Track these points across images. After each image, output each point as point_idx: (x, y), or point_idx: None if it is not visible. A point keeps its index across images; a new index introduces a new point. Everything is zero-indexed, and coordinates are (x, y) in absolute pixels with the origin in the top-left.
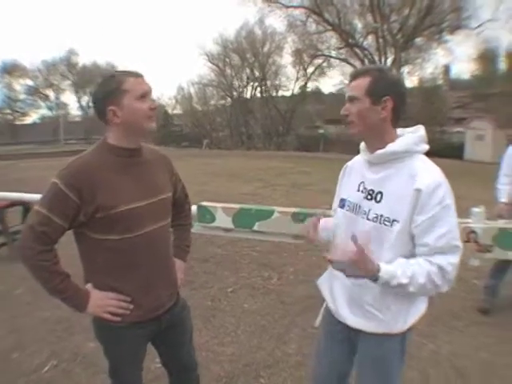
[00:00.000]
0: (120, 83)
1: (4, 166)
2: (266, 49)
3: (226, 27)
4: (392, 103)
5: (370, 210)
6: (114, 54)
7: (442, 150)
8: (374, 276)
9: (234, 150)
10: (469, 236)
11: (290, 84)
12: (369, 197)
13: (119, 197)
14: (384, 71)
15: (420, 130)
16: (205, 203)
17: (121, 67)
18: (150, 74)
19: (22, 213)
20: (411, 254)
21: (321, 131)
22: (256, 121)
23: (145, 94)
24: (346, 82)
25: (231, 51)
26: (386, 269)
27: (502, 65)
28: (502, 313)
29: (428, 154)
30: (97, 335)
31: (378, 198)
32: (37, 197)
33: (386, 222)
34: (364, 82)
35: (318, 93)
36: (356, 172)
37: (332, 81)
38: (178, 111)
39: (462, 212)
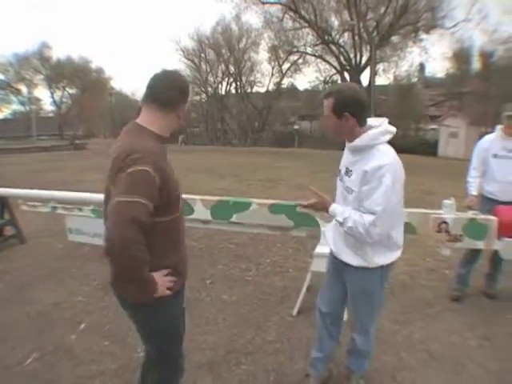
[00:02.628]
0: (188, 86)
1: None
2: (241, 45)
3: (201, 22)
4: (351, 115)
5: (345, 182)
6: (88, 48)
7: (417, 147)
8: (326, 211)
9: (209, 145)
10: (440, 226)
11: (265, 80)
12: (346, 173)
13: (174, 180)
14: (341, 92)
15: (383, 125)
16: (184, 195)
17: (95, 62)
18: (125, 69)
19: None
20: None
21: (295, 127)
22: (232, 117)
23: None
24: (322, 78)
25: (207, 47)
26: (332, 207)
27: (475, 64)
28: (472, 300)
29: (403, 150)
30: (151, 319)
31: (350, 175)
32: (12, 191)
33: (349, 191)
34: (330, 102)
35: (293, 89)
36: (346, 153)
37: (307, 77)
38: None
39: (435, 206)
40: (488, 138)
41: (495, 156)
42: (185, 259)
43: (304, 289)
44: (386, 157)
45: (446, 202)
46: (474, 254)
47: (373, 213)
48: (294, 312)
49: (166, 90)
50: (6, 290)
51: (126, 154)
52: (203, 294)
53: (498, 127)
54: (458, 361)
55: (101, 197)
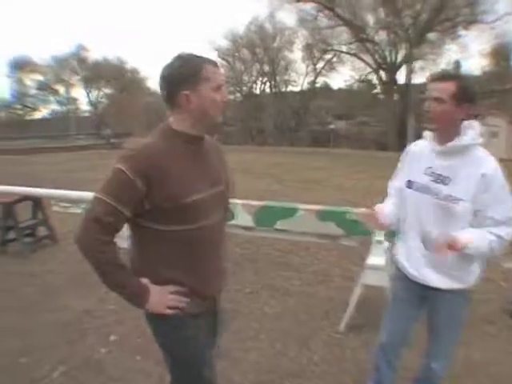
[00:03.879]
0: (200, 69)
1: (14, 160)
2: (276, 44)
3: (235, 22)
4: (469, 108)
5: (439, 191)
6: (124, 49)
7: None
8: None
9: (244, 145)
10: None
11: (299, 79)
12: (438, 180)
13: (188, 186)
14: (465, 79)
15: (476, 126)
16: None
17: (131, 63)
18: (160, 69)
19: (31, 208)
20: (470, 225)
21: (331, 127)
22: (267, 116)
23: (221, 86)
24: (357, 77)
25: (241, 46)
26: (470, 244)
27: None
28: None
29: None
30: (156, 333)
31: (446, 182)
32: (46, 192)
33: (455, 201)
34: (451, 86)
35: (327, 88)
36: (422, 157)
37: (341, 76)
38: None
39: None
40: None
41: None
42: (209, 278)
43: (353, 303)
44: (494, 159)
45: None
46: None
47: (505, 224)
48: (342, 328)
49: (163, 85)
50: (36, 294)
51: (124, 151)
52: (243, 304)
53: None
54: None
55: None
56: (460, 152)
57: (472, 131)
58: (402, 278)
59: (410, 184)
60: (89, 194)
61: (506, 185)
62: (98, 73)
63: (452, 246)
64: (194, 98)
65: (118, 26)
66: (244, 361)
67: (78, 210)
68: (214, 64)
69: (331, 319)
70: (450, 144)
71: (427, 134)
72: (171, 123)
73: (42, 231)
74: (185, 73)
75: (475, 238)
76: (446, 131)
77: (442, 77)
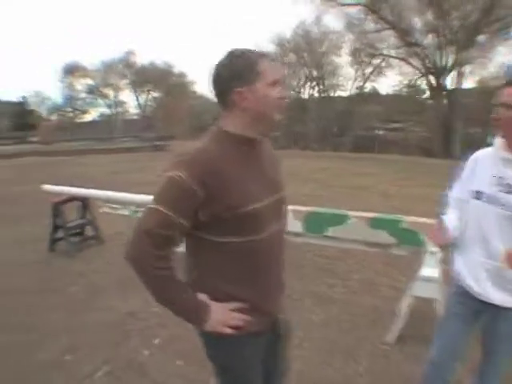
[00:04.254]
0: (254, 63)
1: (64, 161)
2: (323, 48)
3: (282, 26)
4: None
5: (508, 202)
6: (171, 54)
7: None
8: None
9: (287, 149)
10: None
11: (347, 84)
12: (508, 191)
13: (248, 194)
14: None
15: None
16: None
17: (178, 67)
18: (207, 74)
19: (80, 208)
20: None
21: (377, 132)
22: (312, 120)
23: (278, 81)
24: (406, 82)
25: (288, 50)
26: None
27: None
28: None
29: None
30: (210, 353)
31: None
32: (94, 192)
33: None
34: None
35: (374, 93)
36: (488, 166)
37: (388, 81)
38: None
39: None
40: None
41: None
42: (270, 293)
43: (402, 314)
44: None
45: None
46: None
47: None
48: (389, 339)
49: (214, 84)
50: (81, 293)
51: (176, 156)
52: (288, 312)
53: None
54: None
55: None
56: None
57: None
58: (458, 292)
59: (478, 195)
60: (136, 196)
61: None
62: (145, 77)
63: None
64: (249, 95)
65: (167, 31)
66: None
67: (126, 212)
68: (271, 57)
69: (377, 329)
70: None
71: (497, 140)
72: (223, 125)
73: (89, 231)
74: (237, 68)
75: None
76: None
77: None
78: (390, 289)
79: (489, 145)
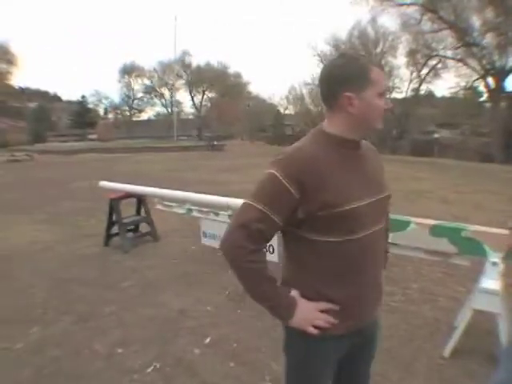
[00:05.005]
0: (367, 71)
1: (121, 158)
2: (378, 49)
3: (337, 27)
4: None
5: None
6: (226, 55)
7: None
8: None
9: None
10: None
11: (403, 86)
12: None
13: (345, 193)
14: None
15: None
16: None
17: (234, 67)
18: (263, 74)
19: (136, 205)
20: None
21: (435, 136)
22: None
23: (385, 92)
24: (463, 84)
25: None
26: None
27: None
28: None
29: None
30: (287, 347)
31: None
32: (150, 190)
33: None
34: None
35: (430, 95)
36: None
37: (444, 83)
38: (289, 111)
39: None
40: None
41: None
42: (361, 300)
43: (461, 328)
44: None
45: None
46: None
47: None
48: (446, 353)
49: (323, 83)
50: (134, 288)
51: (274, 156)
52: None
53: None
54: None
55: (239, 202)
56: None
57: None
58: None
59: None
60: (191, 195)
61: None
62: (200, 77)
63: None
64: (357, 101)
65: (221, 32)
66: None
67: (181, 210)
68: (380, 67)
69: (435, 342)
70: None
71: None
72: (325, 126)
73: (144, 228)
74: (350, 72)
75: None
76: None
77: None
78: (448, 300)
79: None
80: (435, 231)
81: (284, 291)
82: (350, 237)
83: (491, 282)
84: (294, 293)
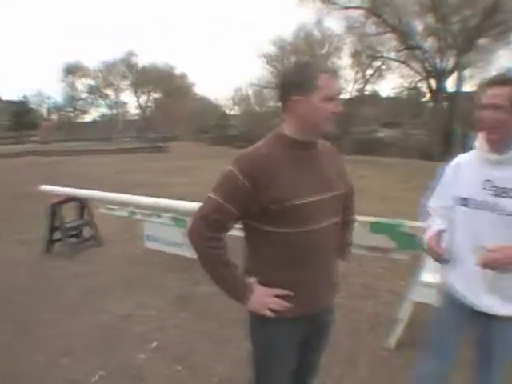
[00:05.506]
0: (315, 76)
1: (63, 161)
2: (324, 50)
3: (283, 28)
4: None
5: (505, 206)
6: (172, 55)
7: None
8: None
9: None
10: None
11: (348, 86)
12: (503, 194)
13: (295, 190)
14: None
15: None
16: None
17: (179, 68)
18: (208, 75)
19: (77, 209)
20: None
21: (379, 134)
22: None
23: (334, 96)
24: (406, 85)
25: (289, 53)
26: None
27: None
28: None
29: None
30: (250, 330)
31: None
32: (92, 193)
33: None
34: (508, 91)
35: (374, 96)
36: (473, 170)
37: (389, 83)
38: (235, 112)
39: None
40: None
41: None
42: (313, 288)
43: (402, 320)
44: None
45: None
46: None
47: None
48: (389, 345)
49: (277, 88)
50: (79, 295)
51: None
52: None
53: None
54: None
55: (182, 204)
56: None
57: None
58: (451, 304)
59: (465, 201)
60: (133, 198)
61: None
62: (146, 78)
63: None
64: (304, 104)
65: (167, 32)
66: None
67: (124, 214)
68: (332, 73)
69: (377, 335)
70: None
71: (478, 143)
72: (282, 128)
73: (87, 232)
74: (298, 78)
75: None
76: (504, 140)
77: (499, 81)
78: (390, 294)
79: (471, 148)
80: (375, 228)
81: (241, 276)
82: (300, 229)
83: (430, 275)
84: (252, 279)
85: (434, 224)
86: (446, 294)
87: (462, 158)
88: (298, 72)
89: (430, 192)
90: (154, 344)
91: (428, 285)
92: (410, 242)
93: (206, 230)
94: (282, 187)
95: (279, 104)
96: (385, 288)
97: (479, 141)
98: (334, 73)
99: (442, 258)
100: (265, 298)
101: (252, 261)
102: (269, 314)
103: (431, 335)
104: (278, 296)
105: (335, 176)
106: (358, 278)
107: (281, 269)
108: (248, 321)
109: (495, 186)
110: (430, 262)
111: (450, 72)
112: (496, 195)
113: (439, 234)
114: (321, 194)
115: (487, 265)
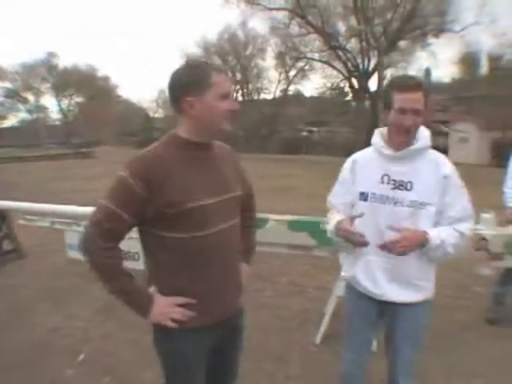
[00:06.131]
0: (207, 76)
1: None
2: (248, 51)
3: (208, 30)
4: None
5: (403, 198)
6: (95, 57)
7: None
8: (425, 241)
9: None
10: (479, 244)
11: (271, 87)
12: (400, 187)
13: (191, 192)
14: (426, 83)
15: (424, 129)
16: None
17: (102, 70)
18: (131, 77)
19: None
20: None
21: (303, 134)
22: (239, 123)
23: (228, 94)
24: (329, 85)
25: (213, 54)
26: (431, 231)
27: (484, 68)
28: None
29: None
30: (155, 342)
31: (409, 187)
32: (9, 204)
33: (421, 206)
34: (422, 95)
35: (299, 96)
36: (372, 166)
37: (313, 84)
38: (159, 115)
39: None
40: None
41: None
42: (217, 293)
43: (328, 315)
44: (447, 159)
45: (485, 215)
46: None
47: (464, 221)
48: (318, 340)
49: (168, 90)
50: (3, 310)
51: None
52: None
53: None
54: None
55: None
56: (417, 156)
57: (423, 134)
58: (358, 297)
59: (363, 196)
60: (51, 206)
61: (461, 183)
62: (67, 80)
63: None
64: (198, 105)
65: (89, 33)
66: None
67: (45, 223)
68: (223, 72)
69: (306, 331)
70: (410, 148)
71: (376, 140)
72: (177, 130)
73: (7, 245)
74: (190, 79)
75: (439, 233)
76: (411, 140)
77: (418, 85)
78: (317, 290)
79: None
80: (294, 226)
81: (141, 287)
82: (196, 233)
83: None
84: (152, 289)
85: (337, 216)
86: (351, 287)
87: (357, 156)
88: (189, 73)
89: (333, 189)
90: (82, 356)
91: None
92: (330, 238)
93: (102, 240)
94: (176, 190)
95: (172, 105)
96: (311, 284)
97: (376, 138)
98: (226, 71)
99: (356, 238)
100: (166, 308)
101: (151, 269)
102: (171, 324)
103: (347, 329)
104: (180, 305)
105: (232, 177)
106: (284, 276)
107: (181, 276)
108: (153, 332)
109: (393, 180)
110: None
111: (372, 72)
112: (394, 188)
113: (352, 218)
114: (217, 196)
115: (386, 246)
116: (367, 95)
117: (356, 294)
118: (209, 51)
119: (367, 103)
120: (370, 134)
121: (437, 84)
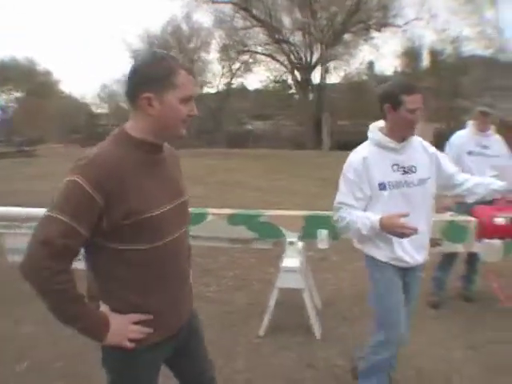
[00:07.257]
0: (173, 73)
1: None
2: (192, 45)
3: (151, 22)
4: None
5: (413, 179)
6: (34, 50)
7: None
8: None
9: None
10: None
11: (215, 81)
12: (409, 172)
13: (149, 199)
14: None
15: None
16: None
17: (42, 64)
18: (73, 71)
19: None
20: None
21: (248, 127)
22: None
23: (190, 97)
24: (272, 78)
25: (157, 47)
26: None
27: (425, 62)
28: (450, 305)
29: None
30: (104, 361)
31: (414, 170)
32: None
33: (427, 181)
34: (421, 95)
35: (243, 89)
36: (381, 159)
37: (258, 77)
38: (103, 110)
39: None
40: (460, 134)
41: (470, 153)
42: (173, 305)
43: (271, 307)
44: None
45: None
46: (453, 256)
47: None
48: (261, 332)
49: (127, 80)
50: None
51: (74, 161)
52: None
53: (470, 123)
54: (446, 376)
55: (42, 212)
56: (411, 144)
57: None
58: (385, 268)
59: (382, 186)
60: None
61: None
62: (5, 75)
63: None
64: (157, 103)
65: (28, 25)
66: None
67: None
68: (190, 72)
69: (252, 324)
70: (409, 139)
71: (378, 136)
72: (127, 128)
73: None
74: (154, 72)
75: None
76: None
77: (419, 88)
78: (261, 283)
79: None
80: (233, 220)
81: (93, 310)
82: (156, 243)
83: (291, 260)
84: (104, 308)
85: (362, 214)
86: (375, 261)
87: (363, 153)
88: (153, 65)
89: (341, 192)
90: (27, 363)
91: (290, 270)
92: (269, 230)
93: (52, 261)
94: (134, 198)
95: (128, 99)
96: (256, 277)
97: (379, 134)
98: (192, 70)
99: (408, 231)
100: (124, 328)
101: (102, 285)
102: (129, 346)
103: (380, 299)
104: (137, 322)
105: (181, 180)
106: (229, 270)
107: (138, 291)
108: (102, 352)
109: (402, 167)
110: (290, 248)
111: (316, 65)
112: (404, 173)
113: (399, 216)
114: (172, 201)
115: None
116: (310, 88)
117: (383, 265)
118: (152, 45)
119: (311, 96)
120: (317, 125)
121: (380, 77)
